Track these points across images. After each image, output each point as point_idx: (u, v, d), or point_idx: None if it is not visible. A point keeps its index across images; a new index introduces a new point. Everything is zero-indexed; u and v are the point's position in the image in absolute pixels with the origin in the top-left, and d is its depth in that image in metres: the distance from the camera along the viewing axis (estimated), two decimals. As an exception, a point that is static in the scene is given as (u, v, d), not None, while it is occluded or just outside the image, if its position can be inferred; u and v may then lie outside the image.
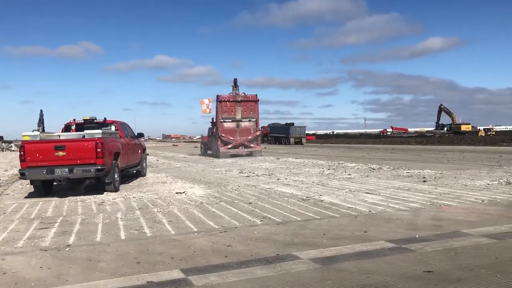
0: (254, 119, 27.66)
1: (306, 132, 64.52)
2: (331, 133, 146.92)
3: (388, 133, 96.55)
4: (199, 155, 32.43)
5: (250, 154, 27.91)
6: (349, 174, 14.43)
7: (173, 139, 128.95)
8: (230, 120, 27.51)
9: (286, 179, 13.56)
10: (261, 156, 27.46)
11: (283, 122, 62.11)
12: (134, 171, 15.21)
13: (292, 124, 59.39)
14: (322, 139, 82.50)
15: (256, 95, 27.59)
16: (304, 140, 58.27)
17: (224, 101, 27.04)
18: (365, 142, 60.01)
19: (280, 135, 59.15)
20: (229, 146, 27.12)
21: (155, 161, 25.40)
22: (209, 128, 31.53)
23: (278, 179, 13.63)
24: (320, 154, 30.09)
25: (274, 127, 60.73)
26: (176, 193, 10.84)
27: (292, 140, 56.58)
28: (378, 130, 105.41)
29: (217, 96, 27.32)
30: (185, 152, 38.40)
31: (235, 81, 28.24)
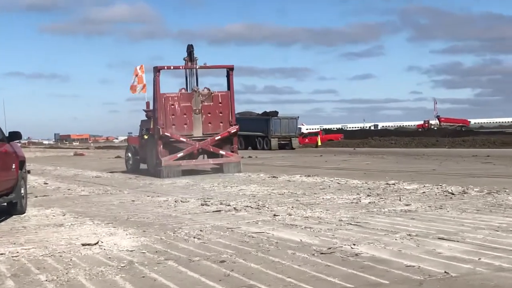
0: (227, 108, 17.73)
1: (326, 127, 38.31)
2: (372, 127, 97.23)
3: (431, 127, 65.24)
4: (123, 172, 24.18)
5: (219, 169, 17.69)
6: (407, 204, 9.95)
7: (75, 143, 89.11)
8: (182, 105, 17.66)
9: (290, 215, 8.95)
10: (239, 172, 17.34)
11: (279, 107, 39.30)
12: (5, 204, 10.08)
13: (275, 113, 38.48)
14: (357, 139, 49.31)
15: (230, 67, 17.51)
16: (295, 142, 38.50)
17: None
18: (437, 144, 37.63)
19: (253, 133, 37.79)
20: (181, 153, 17.43)
21: (43, 185, 18.08)
22: (142, 121, 20.61)
23: (274, 215, 8.99)
24: (353, 167, 22.23)
25: (242, 119, 30.23)
26: (83, 244, 6.64)
27: (274, 141, 36.74)
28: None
29: (155, 67, 17.63)
30: (98, 167, 28.42)
31: (190, 50, 18.10)
